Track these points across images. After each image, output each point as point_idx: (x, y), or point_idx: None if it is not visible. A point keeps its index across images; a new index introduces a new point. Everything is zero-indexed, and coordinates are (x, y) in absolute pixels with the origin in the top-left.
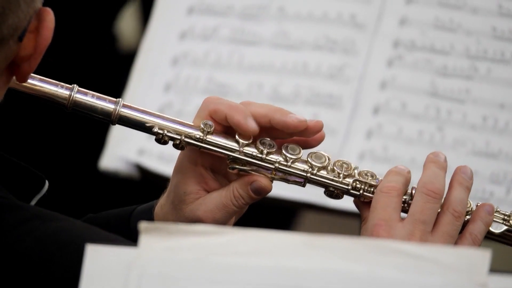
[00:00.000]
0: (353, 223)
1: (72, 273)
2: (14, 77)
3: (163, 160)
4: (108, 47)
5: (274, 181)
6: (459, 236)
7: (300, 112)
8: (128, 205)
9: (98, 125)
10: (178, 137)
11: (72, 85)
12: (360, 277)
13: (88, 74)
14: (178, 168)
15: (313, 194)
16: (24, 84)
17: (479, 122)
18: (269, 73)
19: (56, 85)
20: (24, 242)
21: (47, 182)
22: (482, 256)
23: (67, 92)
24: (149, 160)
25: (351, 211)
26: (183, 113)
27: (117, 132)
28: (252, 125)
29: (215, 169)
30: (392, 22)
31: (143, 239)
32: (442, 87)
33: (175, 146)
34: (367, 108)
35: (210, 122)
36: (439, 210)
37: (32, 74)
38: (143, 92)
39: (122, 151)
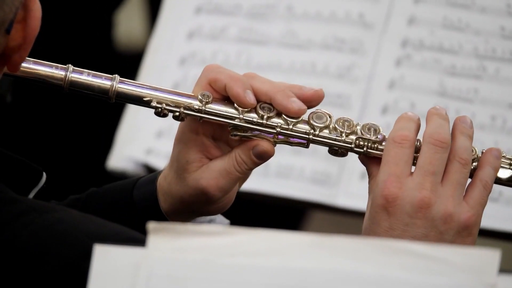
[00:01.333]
0: (361, 223)
1: (69, 265)
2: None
3: None
4: (114, 47)
5: (279, 177)
6: (469, 184)
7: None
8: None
9: (106, 125)
10: (177, 109)
11: (67, 65)
12: (368, 277)
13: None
14: (179, 138)
15: (322, 194)
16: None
17: (488, 122)
18: (277, 73)
19: (51, 67)
20: (21, 236)
21: (44, 174)
22: (492, 256)
23: (62, 73)
24: (156, 160)
25: (359, 210)
26: None
27: (125, 132)
28: (250, 99)
29: (216, 137)
30: (401, 22)
31: (151, 239)
32: (451, 87)
33: (175, 117)
34: (375, 108)
35: (207, 93)
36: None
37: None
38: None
39: (129, 151)
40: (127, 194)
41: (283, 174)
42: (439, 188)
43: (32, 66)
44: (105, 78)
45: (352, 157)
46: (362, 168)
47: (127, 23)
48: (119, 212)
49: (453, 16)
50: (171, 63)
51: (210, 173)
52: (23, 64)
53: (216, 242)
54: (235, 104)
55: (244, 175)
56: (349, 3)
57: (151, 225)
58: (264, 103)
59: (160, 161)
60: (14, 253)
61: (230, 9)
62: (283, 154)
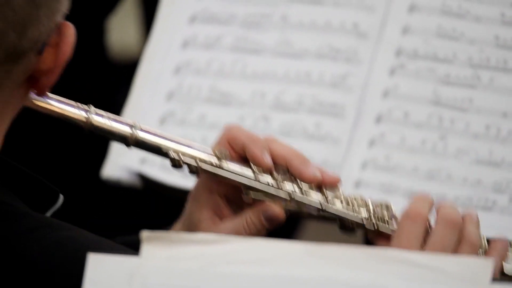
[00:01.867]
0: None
1: (78, 285)
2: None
3: (165, 169)
4: (107, 54)
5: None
6: None
7: (303, 121)
8: (130, 213)
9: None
10: (194, 163)
11: (89, 105)
12: (363, 286)
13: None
14: (193, 196)
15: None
16: (41, 104)
17: (482, 131)
18: (272, 82)
19: (73, 106)
20: (32, 250)
21: (61, 196)
22: (485, 265)
23: (84, 114)
24: (151, 169)
25: None
26: (186, 122)
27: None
28: (267, 161)
29: (230, 198)
30: (395, 31)
31: (145, 248)
32: (445, 96)
33: (191, 171)
34: (369, 117)
35: (225, 150)
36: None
37: (49, 94)
38: (146, 101)
39: (124, 160)
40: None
41: None
42: None
43: (54, 103)
44: (125, 124)
45: (347, 166)
46: (357, 177)
47: (120, 30)
48: None
49: (447, 25)
50: (166, 72)
51: (220, 233)
52: (46, 100)
53: (210, 250)
54: (252, 165)
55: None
56: (344, 13)
57: (145, 234)
58: (280, 168)
59: (155, 171)
60: (24, 267)
61: (225, 18)
62: None
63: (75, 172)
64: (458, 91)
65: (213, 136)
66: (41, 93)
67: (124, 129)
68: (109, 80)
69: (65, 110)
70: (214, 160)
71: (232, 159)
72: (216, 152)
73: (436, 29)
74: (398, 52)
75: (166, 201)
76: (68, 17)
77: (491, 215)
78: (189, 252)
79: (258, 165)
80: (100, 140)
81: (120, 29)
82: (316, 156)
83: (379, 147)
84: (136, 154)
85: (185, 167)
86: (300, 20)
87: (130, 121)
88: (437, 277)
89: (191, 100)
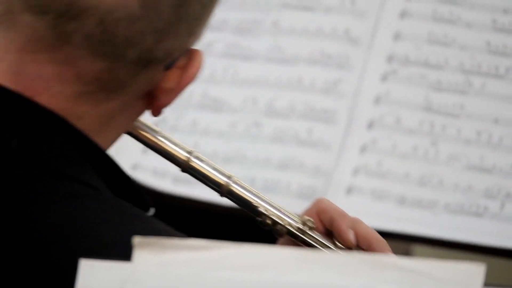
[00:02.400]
0: None
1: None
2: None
3: (157, 175)
4: None
5: (265, 192)
6: None
7: (295, 127)
8: None
9: None
10: (281, 223)
11: (191, 149)
12: None
13: None
14: None
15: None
16: (148, 136)
17: (474, 137)
18: (263, 88)
19: (177, 145)
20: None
21: (152, 209)
22: (476, 271)
23: (185, 155)
24: (143, 175)
25: None
26: (178, 128)
27: (111, 147)
28: (352, 238)
29: None
30: (386, 37)
31: (137, 254)
32: (436, 102)
33: (275, 231)
34: (361, 123)
35: (312, 219)
36: None
37: (155, 128)
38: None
39: None
40: None
41: (269, 188)
42: None
43: (161, 139)
44: (222, 174)
45: (339, 172)
46: (349, 183)
47: None
48: None
49: (438, 31)
50: None
51: None
52: (153, 134)
53: (203, 256)
54: (335, 240)
55: None
56: (336, 19)
57: (137, 240)
58: (362, 249)
59: (147, 177)
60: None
61: (216, 25)
62: (269, 168)
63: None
64: (450, 97)
65: (205, 142)
66: (156, 113)
67: (220, 178)
68: None
69: (168, 147)
70: (300, 225)
71: (317, 230)
72: (303, 219)
73: (427, 35)
74: (390, 58)
75: (158, 207)
76: None
77: (483, 221)
78: (181, 257)
79: (341, 239)
80: None
81: None
82: (308, 162)
83: (371, 153)
84: (128, 160)
85: (270, 227)
86: (291, 26)
87: (227, 172)
88: (429, 283)
89: (183, 106)
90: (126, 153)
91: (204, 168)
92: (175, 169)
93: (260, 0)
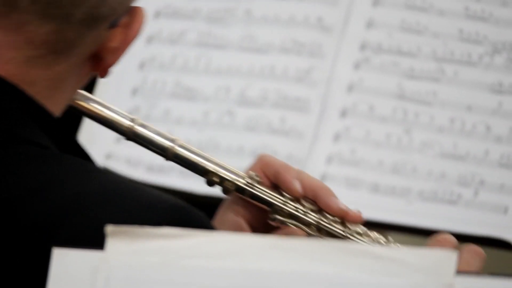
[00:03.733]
0: None
1: (126, 217)
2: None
3: (131, 164)
4: None
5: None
6: None
7: (268, 116)
8: None
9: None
10: (228, 180)
11: (134, 116)
12: (326, 278)
13: None
14: (218, 217)
15: None
16: (89, 107)
17: (447, 125)
18: (236, 77)
19: (119, 114)
20: (89, 186)
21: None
22: (449, 258)
23: (128, 123)
24: (117, 164)
25: None
26: (151, 118)
27: (84, 137)
28: (298, 187)
29: (253, 224)
30: (359, 25)
31: (110, 242)
32: (409, 90)
33: (224, 189)
34: (334, 111)
35: (258, 174)
36: None
37: (96, 99)
38: (110, 97)
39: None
40: None
41: None
42: None
43: (102, 109)
44: (166, 138)
45: (312, 161)
46: (322, 171)
47: None
48: None
49: (411, 19)
50: (130, 68)
51: None
52: (93, 105)
53: (175, 244)
54: (282, 192)
55: None
56: (308, 7)
57: (110, 228)
58: (308, 198)
59: (120, 166)
60: (82, 201)
61: (189, 13)
62: (242, 157)
63: None
64: (423, 84)
65: (178, 131)
66: (102, 74)
67: (165, 142)
68: None
69: (111, 116)
70: (248, 181)
71: (264, 184)
72: (249, 174)
73: (400, 23)
74: (363, 46)
75: None
76: None
77: (456, 208)
78: (153, 246)
79: (288, 190)
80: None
81: None
82: (281, 150)
83: (344, 141)
84: (101, 149)
85: (218, 186)
86: (264, 15)
87: (170, 135)
88: (401, 270)
89: (156, 96)
90: (99, 142)
91: (148, 134)
92: (149, 158)
93: None
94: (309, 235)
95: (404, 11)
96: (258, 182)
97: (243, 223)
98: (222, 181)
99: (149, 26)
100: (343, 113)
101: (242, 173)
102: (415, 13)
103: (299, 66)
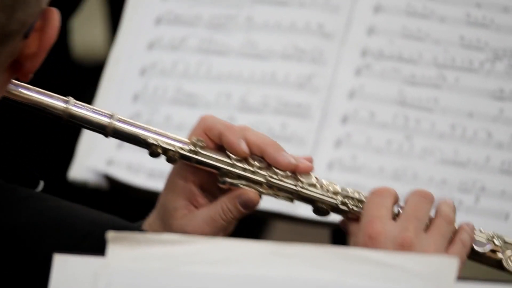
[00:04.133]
0: (323, 232)
1: (68, 245)
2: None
3: (132, 170)
4: (72, 58)
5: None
6: (450, 241)
7: (269, 122)
8: None
9: (67, 136)
10: (172, 149)
11: (68, 97)
12: (327, 285)
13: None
14: (168, 185)
15: (283, 204)
16: (20, 94)
17: (448, 131)
18: (237, 83)
19: (52, 97)
20: (20, 219)
21: (42, 182)
22: (450, 264)
23: (63, 105)
24: (118, 171)
25: (320, 220)
26: (152, 123)
27: (86, 142)
28: (243, 148)
29: (204, 188)
30: (360, 31)
31: (111, 248)
32: (410, 96)
33: (168, 159)
34: (335, 118)
35: (202, 139)
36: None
37: (28, 86)
38: (112, 103)
39: (91, 161)
40: None
41: None
42: (422, 234)
43: (34, 94)
44: (103, 115)
45: (313, 164)
46: (323, 178)
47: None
48: None
49: (412, 25)
50: (132, 74)
51: (196, 221)
52: (24, 91)
53: (176, 250)
54: (228, 152)
55: (229, 224)
56: (309, 13)
57: (111, 234)
58: (256, 155)
59: (121, 172)
60: (14, 235)
61: (190, 20)
62: None
63: (42, 173)
64: (424, 91)
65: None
66: (24, 79)
67: (103, 119)
68: (75, 82)
69: (44, 100)
70: (191, 147)
71: (209, 148)
72: (193, 140)
73: (401, 29)
74: (364, 53)
75: (133, 202)
76: None
77: (457, 215)
78: (154, 252)
79: (234, 152)
80: (67, 141)
81: (86, 31)
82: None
83: (345, 147)
84: (103, 155)
85: (162, 156)
86: (265, 21)
87: (108, 112)
88: (402, 276)
89: (157, 102)
90: (100, 149)
91: (84, 113)
92: (150, 164)
93: None
94: (261, 193)
95: (405, 17)
96: (202, 147)
97: (193, 188)
98: (166, 151)
99: (150, 33)
100: (344, 119)
101: (185, 140)
102: (416, 20)
103: (300, 73)
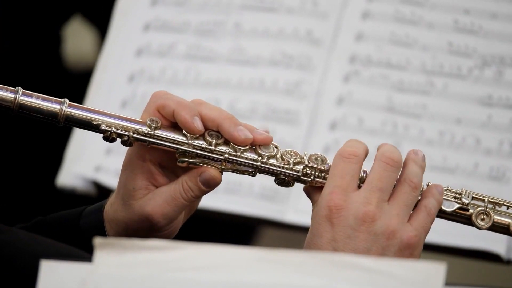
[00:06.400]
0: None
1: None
2: None
3: None
4: (62, 63)
5: (228, 193)
6: (414, 209)
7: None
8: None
9: (56, 142)
10: (126, 133)
11: (17, 87)
12: None
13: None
14: (126, 165)
15: (271, 210)
16: None
17: (436, 137)
18: (225, 89)
19: (0, 89)
20: None
21: None
22: (437, 269)
23: (12, 95)
24: (105, 177)
25: (308, 226)
26: None
27: (74, 149)
28: (198, 125)
29: (163, 165)
30: (348, 38)
31: (98, 254)
32: (399, 103)
33: (123, 142)
34: (324, 124)
35: (156, 119)
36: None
37: None
38: (100, 109)
39: (79, 168)
40: (74, 223)
41: (232, 190)
42: (385, 205)
43: None
44: (54, 102)
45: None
46: None
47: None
48: (66, 241)
49: (400, 32)
50: (120, 80)
51: (156, 200)
52: None
53: (162, 256)
54: (183, 131)
55: (190, 203)
56: (297, 20)
57: (98, 241)
58: (212, 130)
59: (109, 178)
60: None
61: (178, 26)
62: None
63: (30, 181)
64: (412, 97)
65: None
66: None
67: (54, 106)
68: (64, 89)
69: None
70: (146, 129)
71: (164, 127)
72: (147, 121)
73: (389, 36)
74: (352, 59)
75: None
76: (24, 26)
77: (446, 221)
78: (141, 258)
79: (189, 130)
80: (54, 149)
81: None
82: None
83: (334, 153)
84: (91, 162)
85: (118, 139)
86: (253, 28)
87: (58, 99)
88: (389, 282)
89: None
90: (88, 154)
91: (34, 102)
92: None
93: (221, 2)
94: (222, 170)
95: (394, 24)
96: (157, 128)
97: (152, 167)
98: (120, 136)
99: (139, 39)
100: (333, 126)
101: (140, 120)
102: (405, 26)
103: (289, 79)
